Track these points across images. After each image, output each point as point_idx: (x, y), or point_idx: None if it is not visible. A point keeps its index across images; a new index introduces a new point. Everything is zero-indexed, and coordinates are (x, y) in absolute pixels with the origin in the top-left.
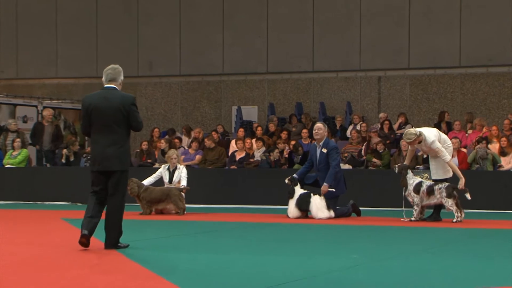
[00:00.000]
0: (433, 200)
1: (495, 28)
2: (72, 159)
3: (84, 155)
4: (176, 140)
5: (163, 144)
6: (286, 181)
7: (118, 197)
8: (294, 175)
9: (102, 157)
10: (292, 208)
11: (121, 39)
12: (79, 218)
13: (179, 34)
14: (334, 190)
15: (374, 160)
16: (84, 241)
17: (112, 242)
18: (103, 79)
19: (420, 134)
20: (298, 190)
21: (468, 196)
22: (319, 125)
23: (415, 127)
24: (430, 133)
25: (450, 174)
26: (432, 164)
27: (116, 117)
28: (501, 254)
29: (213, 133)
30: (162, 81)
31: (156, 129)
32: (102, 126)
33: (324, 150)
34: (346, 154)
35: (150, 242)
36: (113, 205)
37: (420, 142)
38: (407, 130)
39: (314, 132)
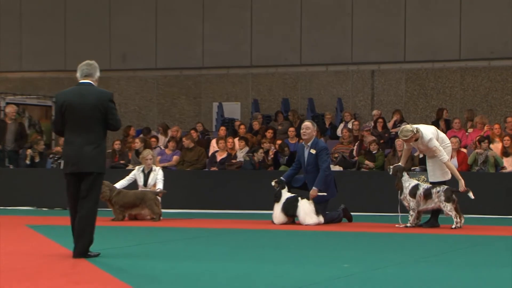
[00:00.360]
0: (430, 205)
1: (498, 18)
2: (37, 160)
3: (51, 156)
4: (153, 139)
5: (138, 144)
6: (273, 183)
7: (90, 201)
8: (282, 177)
9: (76, 158)
10: (277, 213)
11: (91, 29)
12: (45, 225)
13: (155, 24)
14: (325, 194)
15: (367, 162)
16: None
17: (81, 250)
18: (78, 74)
19: (417, 131)
20: (285, 194)
21: (471, 195)
22: (307, 124)
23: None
24: (428, 131)
25: (449, 176)
26: (429, 165)
27: (93, 115)
28: (503, 264)
29: (192, 131)
30: (136, 75)
31: (132, 128)
32: (77, 125)
33: (313, 151)
34: (336, 155)
35: (123, 250)
36: (84, 211)
37: (416, 140)
38: (402, 127)
39: (302, 131)
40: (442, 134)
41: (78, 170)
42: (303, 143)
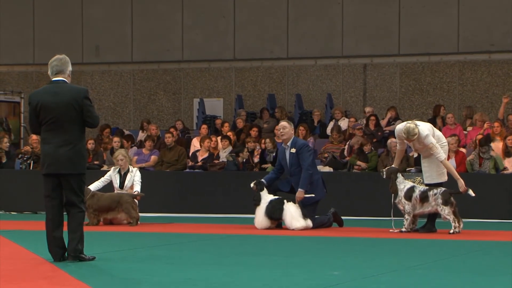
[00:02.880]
0: (427, 208)
1: (498, 8)
2: (4, 160)
3: (20, 156)
4: (125, 143)
5: (117, 143)
6: (252, 185)
7: (77, 205)
8: (262, 179)
9: (52, 159)
10: (260, 218)
11: (62, 19)
12: (15, 230)
13: (131, 14)
14: (313, 195)
15: (359, 163)
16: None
17: (75, 253)
18: (49, 72)
19: (417, 125)
20: (266, 196)
21: (471, 193)
22: (283, 123)
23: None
24: (424, 127)
25: (445, 178)
26: (425, 165)
27: (68, 114)
28: (503, 271)
29: (172, 129)
30: (111, 69)
31: (107, 128)
32: (52, 125)
33: (293, 150)
34: (326, 155)
35: (98, 257)
36: (74, 216)
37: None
38: (405, 127)
39: (279, 132)
40: (438, 132)
41: (55, 171)
42: (282, 145)
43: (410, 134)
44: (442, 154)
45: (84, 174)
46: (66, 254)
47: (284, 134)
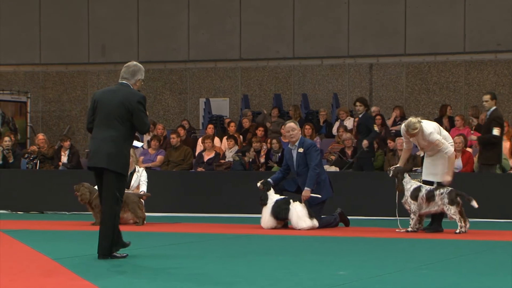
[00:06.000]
0: (433, 207)
1: (505, 8)
2: (11, 160)
3: (26, 155)
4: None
5: None
6: (259, 185)
7: (108, 202)
8: (269, 179)
9: (93, 152)
10: (266, 217)
11: (68, 19)
12: (21, 230)
13: (137, 14)
14: (319, 196)
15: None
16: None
17: (104, 252)
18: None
19: (420, 121)
20: (273, 196)
21: (474, 204)
22: (292, 125)
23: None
24: (429, 125)
25: (449, 178)
26: (428, 162)
27: (118, 112)
28: (509, 271)
29: (180, 129)
30: (117, 68)
31: None
32: (102, 121)
33: (301, 150)
34: (333, 157)
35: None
36: (104, 211)
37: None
38: (406, 121)
39: (288, 134)
40: (445, 132)
41: (93, 164)
42: (289, 145)
43: (410, 128)
44: (450, 148)
45: (122, 175)
46: (123, 245)
47: (294, 136)
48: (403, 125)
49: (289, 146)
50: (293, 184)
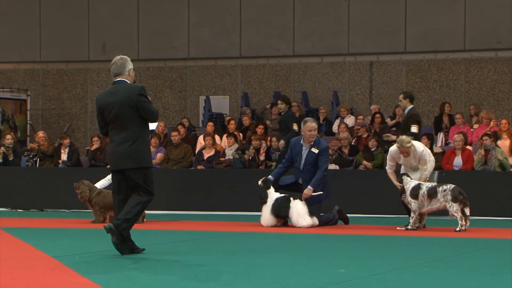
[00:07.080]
0: (435, 205)
1: (505, 6)
2: (11, 158)
3: (26, 153)
4: None
5: None
6: (259, 182)
7: (144, 193)
8: (269, 176)
9: (113, 156)
10: (266, 215)
11: (68, 17)
12: (21, 227)
13: (137, 12)
14: (321, 192)
15: (365, 163)
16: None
17: (116, 225)
18: (112, 75)
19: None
20: (272, 194)
21: (467, 211)
22: (314, 125)
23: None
24: (418, 144)
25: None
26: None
27: (124, 111)
28: (509, 269)
29: (179, 127)
30: None
31: None
32: (113, 123)
33: (315, 150)
34: (331, 152)
35: (104, 255)
36: (133, 197)
37: (408, 155)
38: (398, 139)
39: (309, 133)
40: (427, 150)
41: (116, 167)
42: (301, 142)
43: (404, 142)
44: (431, 167)
45: (149, 168)
46: (133, 248)
47: (314, 136)
48: (393, 147)
49: (301, 142)
50: (288, 179)
